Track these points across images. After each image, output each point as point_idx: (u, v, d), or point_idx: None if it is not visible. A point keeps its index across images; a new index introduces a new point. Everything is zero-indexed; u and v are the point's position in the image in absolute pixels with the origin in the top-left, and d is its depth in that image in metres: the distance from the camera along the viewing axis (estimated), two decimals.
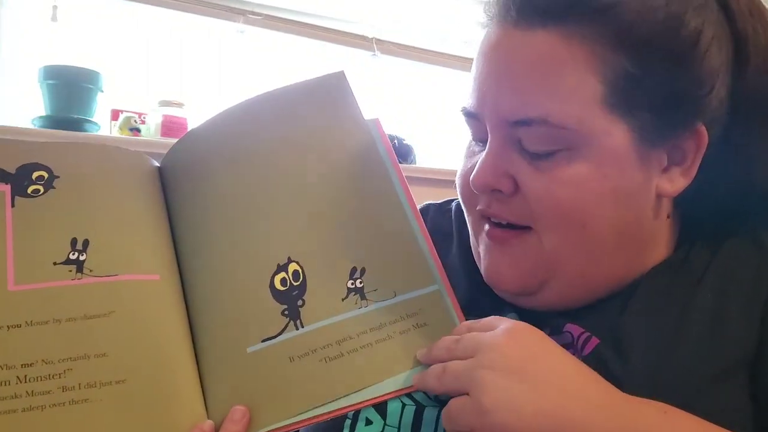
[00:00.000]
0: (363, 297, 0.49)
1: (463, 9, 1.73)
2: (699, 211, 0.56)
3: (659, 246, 0.56)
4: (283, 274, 0.49)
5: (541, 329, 0.49)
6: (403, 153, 1.60)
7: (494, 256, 0.54)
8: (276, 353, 0.47)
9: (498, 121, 0.51)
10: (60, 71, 1.33)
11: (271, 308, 0.48)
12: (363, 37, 1.63)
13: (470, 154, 0.57)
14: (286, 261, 0.50)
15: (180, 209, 0.53)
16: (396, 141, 1.56)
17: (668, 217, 0.55)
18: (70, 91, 1.33)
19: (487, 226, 0.55)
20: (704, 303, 0.50)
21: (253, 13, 1.52)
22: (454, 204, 0.69)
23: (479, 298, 0.57)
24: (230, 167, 0.53)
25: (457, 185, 0.58)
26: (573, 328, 0.53)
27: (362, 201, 0.53)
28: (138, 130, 1.40)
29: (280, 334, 0.48)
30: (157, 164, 0.55)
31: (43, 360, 0.44)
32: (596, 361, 0.48)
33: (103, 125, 1.38)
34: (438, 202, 0.70)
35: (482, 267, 0.56)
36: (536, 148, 0.50)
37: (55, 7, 1.37)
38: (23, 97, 1.39)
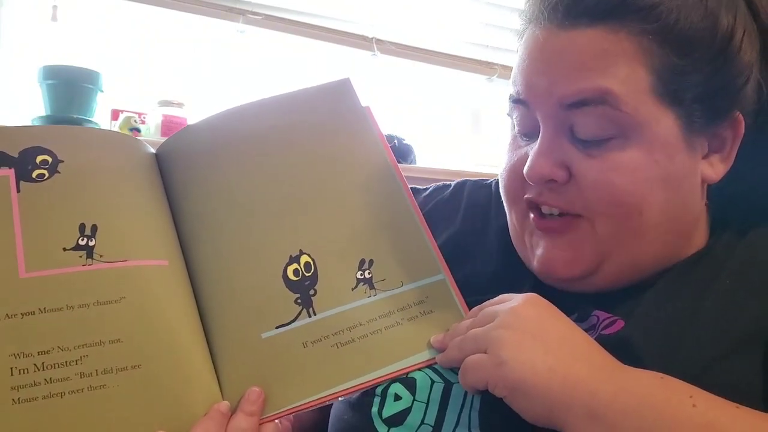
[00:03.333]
0: (372, 287, 0.53)
1: (463, 9, 1.73)
2: (727, 201, 0.59)
3: (700, 230, 0.58)
4: (295, 265, 0.52)
5: (569, 315, 0.52)
6: (403, 153, 1.60)
7: (547, 247, 0.55)
8: (289, 339, 0.50)
9: (552, 106, 0.52)
10: (60, 71, 1.33)
11: (284, 297, 0.51)
12: (363, 37, 1.63)
13: (515, 147, 0.58)
14: (298, 253, 0.52)
15: (181, 196, 0.54)
16: (396, 141, 1.56)
17: (706, 204, 0.58)
18: (70, 91, 1.33)
19: (533, 217, 0.56)
20: (721, 286, 0.52)
21: (253, 13, 1.52)
22: (493, 182, 0.70)
23: (511, 276, 0.60)
24: (239, 160, 0.55)
25: (501, 179, 0.59)
26: (600, 314, 0.55)
27: (369, 196, 0.56)
28: (138, 130, 1.40)
29: (293, 321, 0.50)
30: (153, 151, 0.56)
31: (59, 347, 0.44)
32: (619, 342, 0.50)
33: (103, 125, 1.38)
34: (473, 179, 0.72)
35: (533, 259, 0.56)
36: (590, 133, 0.51)
37: (55, 7, 1.37)
38: (23, 97, 1.39)
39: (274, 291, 0.51)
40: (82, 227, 0.48)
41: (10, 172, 0.48)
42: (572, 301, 0.56)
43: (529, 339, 0.46)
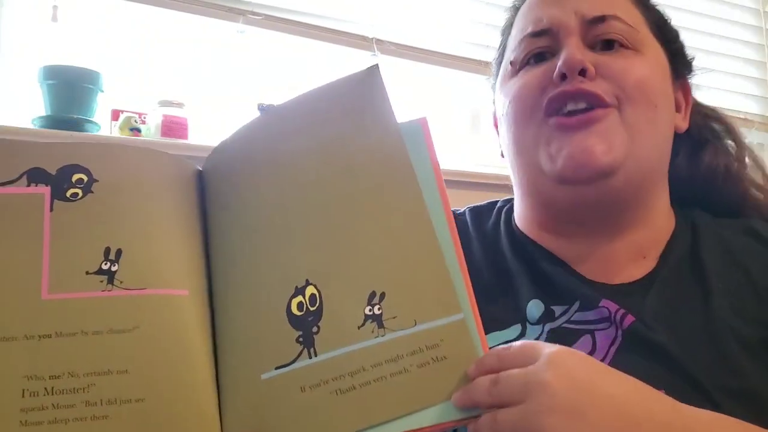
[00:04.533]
0: (380, 325, 0.46)
1: (463, 9, 1.73)
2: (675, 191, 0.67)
3: (664, 195, 0.65)
4: (300, 298, 0.48)
5: (572, 302, 0.57)
6: None
7: (580, 139, 0.57)
8: (288, 382, 0.46)
9: (576, 23, 0.62)
10: (60, 71, 1.33)
11: (286, 334, 0.47)
12: (363, 37, 1.63)
13: (528, 71, 0.64)
14: (304, 284, 0.48)
15: (216, 218, 0.52)
16: None
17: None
18: (70, 91, 1.33)
19: (556, 121, 0.59)
20: (716, 292, 0.57)
21: (253, 13, 1.52)
22: (465, 209, 0.74)
23: (505, 282, 0.62)
24: (255, 178, 0.51)
25: (515, 100, 0.63)
26: (608, 304, 0.57)
27: (386, 218, 0.48)
28: (138, 130, 1.40)
29: (293, 362, 0.46)
30: (200, 168, 0.55)
31: (69, 373, 0.44)
32: (635, 335, 0.55)
33: (103, 125, 1.38)
34: None
35: (559, 159, 0.58)
36: (609, 37, 0.61)
37: (55, 7, 1.37)
38: (23, 97, 1.39)
39: (277, 327, 0.47)
40: (107, 251, 0.47)
41: (46, 190, 0.48)
42: (572, 287, 0.59)
43: (577, 420, 0.39)
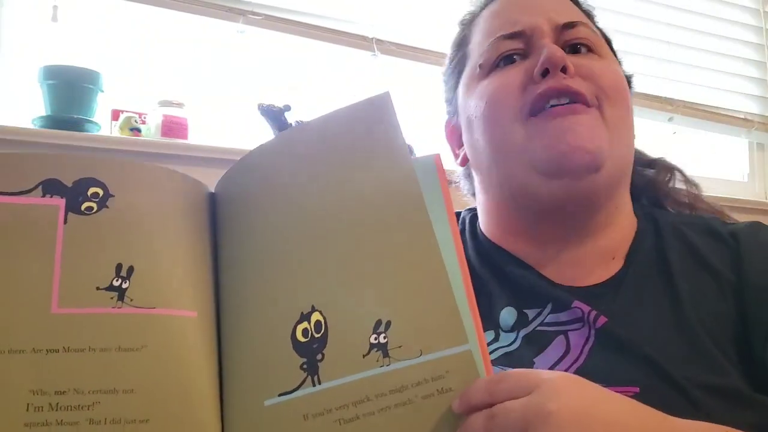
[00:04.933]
0: (386, 354, 0.45)
1: (463, 9, 1.73)
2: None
3: (627, 194, 0.67)
4: (305, 324, 0.47)
5: (544, 305, 0.58)
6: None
7: (567, 124, 0.59)
8: (291, 409, 0.45)
9: (551, 26, 0.64)
10: (60, 71, 1.33)
11: (290, 360, 0.46)
12: (363, 37, 1.63)
13: (500, 72, 0.65)
14: (310, 310, 0.47)
15: (225, 242, 0.52)
16: None
17: None
18: (70, 91, 1.33)
19: (547, 111, 0.60)
20: (684, 290, 0.58)
21: (253, 13, 1.52)
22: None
23: (485, 290, 0.63)
24: (265, 204, 0.51)
25: (492, 102, 0.63)
26: (581, 305, 0.58)
27: (394, 247, 0.48)
28: (138, 130, 1.40)
29: (296, 389, 0.45)
30: (212, 191, 0.54)
31: (75, 389, 0.43)
32: (608, 334, 0.56)
33: (103, 125, 1.38)
34: None
35: (552, 145, 0.59)
36: (582, 41, 0.64)
37: (55, 7, 1.37)
38: (23, 97, 1.39)
39: (282, 353, 0.46)
40: (118, 267, 0.47)
41: (61, 202, 0.47)
42: (547, 289, 0.61)
43: None
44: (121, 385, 0.44)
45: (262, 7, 1.53)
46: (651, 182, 0.74)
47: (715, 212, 0.72)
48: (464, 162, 0.73)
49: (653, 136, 2.05)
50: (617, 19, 1.95)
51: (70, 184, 0.48)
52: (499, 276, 0.64)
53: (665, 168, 0.75)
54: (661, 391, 0.50)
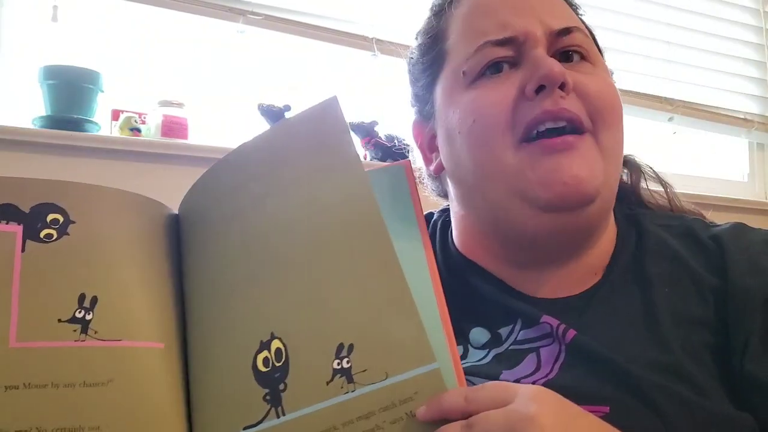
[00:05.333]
0: (350, 380, 0.42)
1: None
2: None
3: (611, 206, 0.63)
4: (265, 353, 0.44)
5: (515, 320, 0.57)
6: (403, 153, 1.59)
7: (564, 163, 0.55)
8: None
9: (545, 32, 0.59)
10: (60, 71, 1.33)
11: (253, 392, 0.43)
12: (363, 37, 1.63)
13: (488, 86, 0.59)
14: (269, 338, 0.44)
15: (190, 267, 0.49)
16: (396, 141, 1.56)
17: None
18: (70, 91, 1.33)
19: (539, 144, 0.55)
20: (660, 296, 0.56)
21: (253, 13, 1.52)
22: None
23: (460, 303, 0.57)
24: (222, 225, 0.48)
25: (483, 119, 0.58)
26: (550, 320, 0.56)
27: (352, 264, 0.45)
28: (138, 130, 1.40)
29: (261, 422, 0.43)
30: (176, 212, 0.51)
31: (36, 428, 0.40)
32: (578, 349, 0.54)
33: (103, 125, 1.38)
34: None
35: (549, 182, 0.55)
36: (577, 49, 0.60)
37: (55, 7, 1.37)
38: (23, 97, 1.39)
39: (244, 385, 0.43)
40: (81, 298, 0.44)
41: (18, 229, 0.44)
42: (513, 310, 0.58)
43: None
44: (87, 422, 0.41)
45: (262, 7, 1.53)
46: (625, 184, 0.71)
47: (693, 213, 0.69)
48: (439, 170, 0.67)
49: (653, 136, 2.05)
50: (617, 19, 1.95)
51: (27, 210, 0.45)
52: (468, 291, 0.61)
53: (635, 168, 0.71)
54: (631, 410, 0.49)
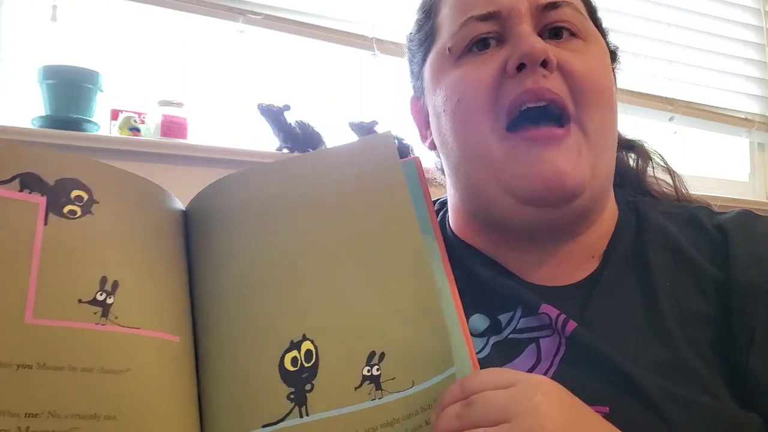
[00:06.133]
0: (378, 387, 0.43)
1: None
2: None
3: (611, 190, 0.63)
4: (294, 353, 0.44)
5: (515, 308, 0.55)
6: (403, 152, 1.59)
7: (547, 157, 0.53)
8: None
9: (530, 7, 0.57)
10: (60, 71, 1.33)
11: (277, 390, 0.43)
12: (363, 37, 1.63)
13: (473, 64, 0.57)
14: (301, 338, 0.44)
15: (202, 263, 0.48)
16: (396, 141, 1.56)
17: None
18: (70, 91, 1.33)
19: (522, 134, 0.54)
20: (661, 290, 0.54)
21: (253, 13, 1.52)
22: None
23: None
24: (256, 225, 0.48)
25: (465, 99, 0.57)
26: (549, 310, 0.55)
27: (388, 275, 0.46)
28: (138, 130, 1.39)
29: (282, 420, 0.42)
30: (183, 208, 0.50)
31: (50, 412, 0.38)
32: (578, 343, 0.53)
33: (102, 125, 1.38)
34: None
35: (531, 177, 0.54)
36: (565, 25, 0.57)
37: (55, 7, 1.37)
38: (23, 97, 1.39)
39: (267, 382, 0.43)
40: (103, 281, 0.42)
41: (41, 200, 0.41)
42: (517, 294, 0.57)
43: None
44: (103, 410, 0.39)
45: (262, 7, 1.53)
46: (631, 170, 0.69)
47: (699, 202, 0.67)
48: (432, 147, 0.66)
49: (654, 136, 2.05)
50: (617, 19, 1.95)
51: (51, 183, 0.42)
52: (467, 276, 0.59)
53: (643, 154, 0.70)
54: (632, 411, 0.48)
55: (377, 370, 0.43)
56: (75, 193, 0.43)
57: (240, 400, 0.43)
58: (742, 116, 2.14)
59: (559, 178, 0.53)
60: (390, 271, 0.46)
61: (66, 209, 0.42)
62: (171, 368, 0.43)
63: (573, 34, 0.58)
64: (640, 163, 0.69)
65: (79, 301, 0.40)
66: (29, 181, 0.41)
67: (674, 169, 0.71)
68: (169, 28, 1.53)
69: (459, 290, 0.52)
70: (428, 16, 0.65)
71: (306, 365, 0.43)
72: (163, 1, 1.44)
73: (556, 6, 0.57)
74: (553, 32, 0.57)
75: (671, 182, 0.70)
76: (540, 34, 0.56)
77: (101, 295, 0.41)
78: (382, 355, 0.43)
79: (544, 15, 0.57)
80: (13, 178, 0.41)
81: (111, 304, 0.41)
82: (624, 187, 0.66)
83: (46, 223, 0.41)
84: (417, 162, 0.51)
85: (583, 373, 0.51)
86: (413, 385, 0.43)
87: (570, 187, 0.53)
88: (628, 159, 0.71)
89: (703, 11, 2.12)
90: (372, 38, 1.63)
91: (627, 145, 0.71)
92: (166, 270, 0.46)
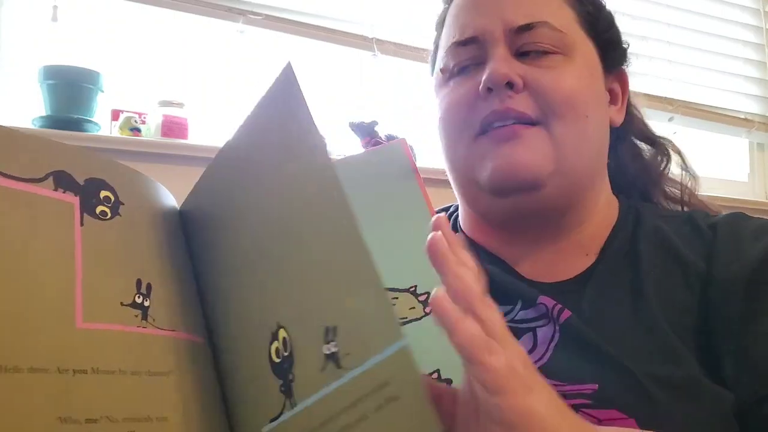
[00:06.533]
0: (338, 365, 0.40)
1: None
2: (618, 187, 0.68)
3: (605, 188, 0.66)
4: (276, 344, 0.43)
5: (515, 303, 0.59)
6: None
7: (505, 151, 0.58)
8: None
9: (504, 31, 0.60)
10: (60, 71, 1.33)
11: (272, 384, 0.42)
12: (363, 37, 1.63)
13: (456, 86, 0.63)
14: (276, 328, 0.43)
15: (203, 264, 0.48)
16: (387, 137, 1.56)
17: (606, 165, 0.67)
18: (70, 91, 1.33)
19: (490, 135, 0.59)
20: (649, 283, 0.57)
21: (253, 13, 1.52)
22: (452, 206, 0.75)
23: None
24: (221, 221, 0.47)
25: (445, 118, 0.63)
26: (546, 300, 0.59)
27: (325, 247, 0.43)
28: (138, 130, 1.40)
29: (281, 414, 0.42)
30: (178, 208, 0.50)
31: (107, 417, 0.37)
32: (571, 329, 0.56)
33: (103, 125, 1.38)
34: None
35: (488, 169, 0.59)
36: (536, 46, 0.60)
37: (55, 7, 1.37)
38: (23, 97, 1.39)
39: (265, 378, 0.42)
40: (138, 283, 0.41)
41: (75, 200, 0.40)
42: (517, 287, 0.61)
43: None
44: (155, 412, 0.39)
45: (262, 7, 1.53)
46: (644, 168, 0.72)
47: (708, 209, 0.70)
48: None
49: None
50: (617, 19, 1.95)
51: (82, 182, 0.41)
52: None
53: (662, 151, 0.73)
54: (619, 388, 0.51)
55: (334, 346, 0.40)
56: (103, 193, 0.42)
57: (250, 398, 0.43)
58: (742, 116, 2.14)
59: (512, 168, 0.58)
60: (323, 240, 0.43)
61: (98, 210, 0.42)
62: (205, 369, 0.43)
63: (551, 52, 0.61)
64: (658, 162, 0.72)
65: (121, 303, 0.40)
66: (62, 180, 0.40)
67: (692, 174, 0.73)
68: (169, 28, 1.53)
69: None
70: (438, 32, 0.71)
71: (285, 354, 0.42)
72: (163, 1, 1.44)
73: (530, 27, 0.60)
74: (528, 54, 0.61)
75: (685, 188, 0.72)
76: (519, 53, 0.61)
77: (139, 297, 0.41)
78: (335, 330, 0.40)
79: (518, 36, 0.60)
80: (46, 176, 0.40)
81: (148, 307, 0.41)
82: (631, 195, 0.69)
83: (82, 224, 0.40)
84: (402, 142, 0.53)
85: (574, 357, 0.54)
86: (366, 359, 0.39)
87: (522, 176, 0.58)
88: (645, 157, 0.73)
89: (703, 11, 2.13)
90: (372, 38, 1.63)
91: (649, 140, 0.74)
92: (183, 270, 0.46)
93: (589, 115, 0.60)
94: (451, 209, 0.76)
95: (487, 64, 0.60)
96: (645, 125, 0.74)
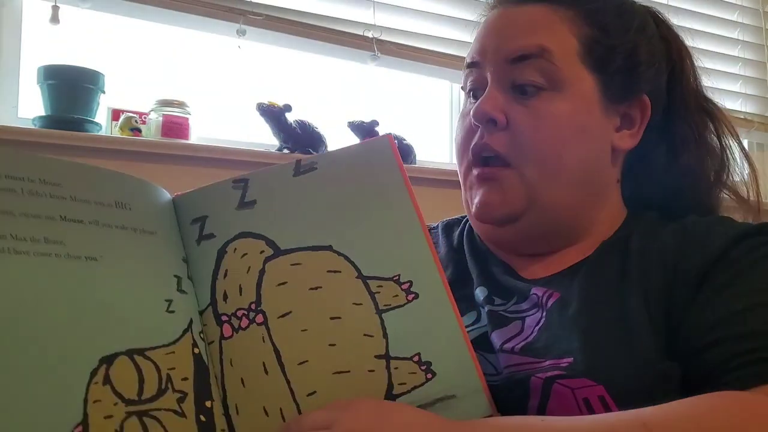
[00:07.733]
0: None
1: (461, 11, 1.73)
2: (640, 199, 0.70)
3: (609, 206, 0.68)
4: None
5: (511, 296, 0.65)
6: (404, 153, 1.60)
7: (483, 193, 0.65)
8: None
9: (498, 62, 0.64)
10: (60, 71, 1.33)
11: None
12: (363, 37, 1.63)
13: (466, 107, 0.68)
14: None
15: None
16: (396, 141, 1.56)
17: (618, 181, 0.69)
18: (70, 91, 1.33)
19: (475, 172, 0.65)
20: (637, 273, 0.60)
21: (253, 13, 1.52)
22: (439, 224, 0.80)
23: (465, 278, 0.69)
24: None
25: (456, 139, 0.69)
26: (537, 290, 0.63)
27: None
28: (139, 130, 1.40)
29: None
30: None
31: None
32: (557, 308, 0.60)
33: (103, 125, 1.38)
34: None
35: (474, 204, 0.66)
36: (527, 81, 0.62)
37: (55, 8, 1.37)
38: (23, 97, 1.39)
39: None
40: None
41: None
42: (513, 290, 0.65)
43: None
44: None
45: (262, 7, 1.53)
46: (689, 191, 0.70)
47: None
48: None
49: None
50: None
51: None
52: (483, 271, 0.70)
53: (719, 163, 0.73)
54: (588, 360, 0.54)
55: None
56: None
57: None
58: (741, 116, 2.14)
59: (487, 207, 0.64)
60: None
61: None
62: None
63: (543, 88, 0.62)
64: (712, 171, 0.72)
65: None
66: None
67: (738, 190, 0.74)
68: (169, 29, 1.53)
69: (475, 278, 0.68)
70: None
71: None
72: (163, 2, 1.44)
73: (524, 59, 0.62)
74: (521, 89, 0.63)
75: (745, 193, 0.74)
76: (513, 85, 0.63)
77: None
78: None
79: (513, 68, 0.63)
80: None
81: None
82: (651, 207, 0.69)
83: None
84: (389, 138, 0.57)
85: (555, 334, 0.58)
86: None
87: (495, 214, 0.65)
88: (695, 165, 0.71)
89: (702, 11, 2.13)
90: (372, 38, 1.63)
91: (708, 147, 0.73)
92: None
93: (563, 155, 0.63)
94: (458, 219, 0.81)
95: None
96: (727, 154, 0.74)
